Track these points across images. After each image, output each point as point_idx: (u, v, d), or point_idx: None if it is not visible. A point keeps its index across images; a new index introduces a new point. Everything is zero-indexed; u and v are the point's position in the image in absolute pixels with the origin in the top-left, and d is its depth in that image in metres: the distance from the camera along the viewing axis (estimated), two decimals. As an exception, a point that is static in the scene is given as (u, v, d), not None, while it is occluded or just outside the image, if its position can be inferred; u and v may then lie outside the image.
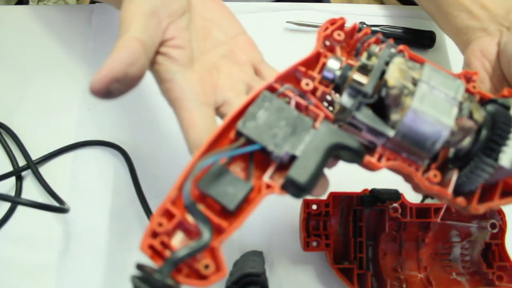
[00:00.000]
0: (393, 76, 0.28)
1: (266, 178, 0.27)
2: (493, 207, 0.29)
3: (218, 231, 0.25)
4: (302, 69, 0.30)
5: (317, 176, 0.27)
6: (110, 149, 0.50)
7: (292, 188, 0.26)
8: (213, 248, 0.25)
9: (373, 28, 0.57)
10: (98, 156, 0.51)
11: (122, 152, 0.50)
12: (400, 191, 0.43)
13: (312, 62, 0.30)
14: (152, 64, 0.31)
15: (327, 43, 0.32)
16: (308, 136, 0.27)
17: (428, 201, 0.50)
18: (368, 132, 0.28)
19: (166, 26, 0.31)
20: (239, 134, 0.27)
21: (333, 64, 0.29)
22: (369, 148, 0.29)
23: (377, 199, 0.42)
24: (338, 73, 0.29)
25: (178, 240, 0.25)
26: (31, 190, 0.49)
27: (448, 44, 0.58)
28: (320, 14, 0.60)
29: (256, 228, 0.48)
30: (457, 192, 0.29)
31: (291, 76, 0.30)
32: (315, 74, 0.29)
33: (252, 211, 0.26)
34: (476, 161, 0.28)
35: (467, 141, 0.28)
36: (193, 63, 0.32)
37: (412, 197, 0.47)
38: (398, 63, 0.28)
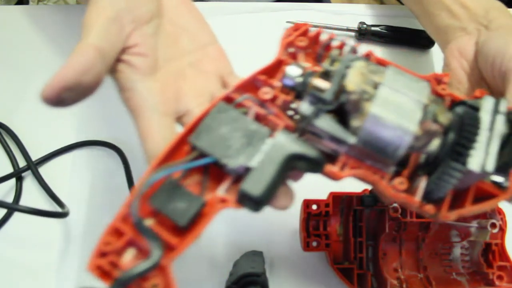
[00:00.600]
0: (353, 81, 0.27)
1: (221, 192, 0.26)
2: (464, 214, 0.27)
3: (169, 248, 0.24)
4: (262, 77, 0.29)
5: (274, 188, 0.26)
6: (109, 149, 0.50)
7: (247, 201, 0.25)
8: (163, 267, 0.23)
9: (373, 28, 0.57)
10: (97, 156, 0.51)
11: (119, 153, 0.50)
12: (400, 191, 0.43)
13: (274, 70, 0.30)
14: (113, 72, 0.30)
15: (292, 50, 0.31)
16: (265, 146, 0.26)
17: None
18: (330, 140, 0.27)
19: (130, 32, 0.30)
20: (193, 147, 0.26)
21: (293, 71, 0.28)
22: (334, 157, 0.28)
23: (377, 199, 0.42)
24: (299, 80, 0.28)
25: (129, 259, 0.24)
26: (31, 190, 0.49)
27: (448, 44, 0.58)
28: (320, 14, 0.60)
29: (256, 228, 0.48)
30: (427, 199, 0.27)
31: (252, 86, 0.29)
32: (275, 82, 0.28)
33: (205, 227, 0.25)
34: (444, 166, 0.26)
35: (435, 146, 0.27)
36: (155, 71, 0.31)
37: (412, 197, 0.47)
38: (359, 67, 0.27)
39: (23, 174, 0.49)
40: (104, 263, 0.23)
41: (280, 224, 0.48)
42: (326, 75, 0.28)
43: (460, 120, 0.27)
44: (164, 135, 0.29)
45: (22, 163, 0.50)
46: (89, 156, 0.51)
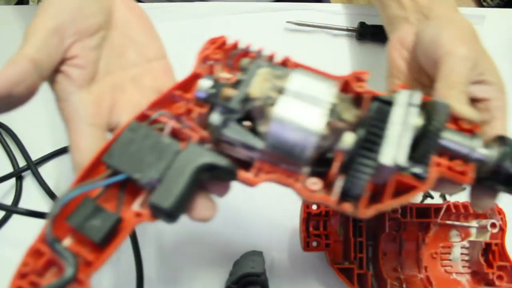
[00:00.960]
0: (257, 88, 0.27)
1: (135, 206, 0.26)
2: (383, 209, 0.27)
3: (86, 264, 0.25)
4: (177, 92, 0.29)
5: (185, 199, 0.26)
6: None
7: (159, 213, 0.26)
8: (81, 281, 0.24)
9: (373, 28, 0.57)
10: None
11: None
12: (400, 191, 0.43)
13: (191, 83, 0.30)
14: (51, 82, 0.30)
15: (210, 62, 0.31)
16: (176, 160, 0.26)
17: (428, 201, 0.50)
18: (242, 147, 0.28)
19: (70, 44, 0.30)
20: (107, 166, 0.27)
21: (205, 84, 0.28)
22: (249, 164, 0.28)
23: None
24: (211, 91, 0.28)
25: (51, 278, 0.25)
26: (32, 190, 0.49)
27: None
28: (320, 14, 0.60)
29: (256, 228, 0.48)
30: (348, 197, 0.27)
31: (170, 101, 0.29)
32: (189, 95, 0.29)
33: (122, 241, 0.26)
34: (356, 163, 0.26)
35: (349, 143, 0.27)
36: (92, 84, 0.32)
37: (412, 197, 0.47)
38: (263, 73, 0.28)
39: (23, 174, 0.49)
40: (24, 284, 0.24)
41: (280, 224, 0.48)
42: (238, 84, 0.28)
43: (371, 116, 0.28)
44: (92, 146, 0.29)
45: (22, 163, 0.50)
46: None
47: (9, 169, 0.49)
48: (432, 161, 0.27)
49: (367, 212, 0.27)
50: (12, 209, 0.45)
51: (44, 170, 0.49)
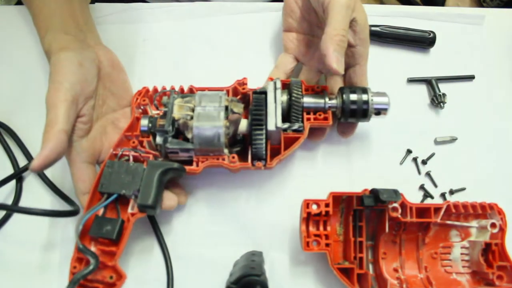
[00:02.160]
0: (177, 112, 0.44)
1: (130, 210, 0.42)
2: (282, 158, 0.44)
3: (111, 255, 0.40)
4: (128, 133, 0.45)
5: (159, 195, 0.42)
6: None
7: (146, 208, 0.41)
8: (112, 266, 0.40)
9: (373, 29, 0.57)
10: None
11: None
12: (400, 191, 0.43)
13: (135, 125, 0.46)
14: None
15: (142, 107, 0.47)
16: (144, 174, 0.42)
17: (428, 201, 0.50)
18: (182, 152, 0.44)
19: (81, 108, 0.42)
20: (102, 193, 0.42)
21: (144, 122, 0.45)
22: (191, 161, 0.44)
23: (377, 199, 0.42)
24: (150, 125, 0.44)
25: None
26: (33, 190, 0.49)
27: (448, 44, 0.58)
28: (320, 14, 0.60)
29: (256, 228, 0.47)
30: (258, 159, 0.44)
31: (125, 140, 0.45)
32: (136, 132, 0.45)
33: (129, 233, 0.41)
34: (253, 135, 0.43)
35: (244, 126, 0.45)
36: (89, 132, 0.44)
37: (412, 197, 0.47)
38: (177, 102, 0.45)
39: (23, 174, 0.49)
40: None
41: (280, 224, 0.48)
42: (165, 115, 0.44)
43: (253, 104, 0.44)
44: (89, 178, 0.43)
45: (22, 163, 0.50)
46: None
47: (9, 169, 0.49)
48: (304, 118, 0.45)
49: (273, 163, 0.44)
50: (30, 211, 0.44)
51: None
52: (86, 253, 0.39)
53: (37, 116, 0.53)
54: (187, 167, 0.43)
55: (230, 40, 0.58)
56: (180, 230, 0.47)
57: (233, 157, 0.43)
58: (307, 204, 0.43)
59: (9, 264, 0.46)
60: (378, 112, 0.46)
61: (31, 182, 0.49)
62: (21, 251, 0.46)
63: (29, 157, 0.50)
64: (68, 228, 0.47)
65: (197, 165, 0.43)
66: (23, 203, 0.48)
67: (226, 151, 0.44)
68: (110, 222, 0.40)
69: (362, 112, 0.45)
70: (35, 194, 0.49)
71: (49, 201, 0.48)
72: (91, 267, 0.38)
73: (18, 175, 0.49)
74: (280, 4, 0.61)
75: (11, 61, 0.56)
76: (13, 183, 0.49)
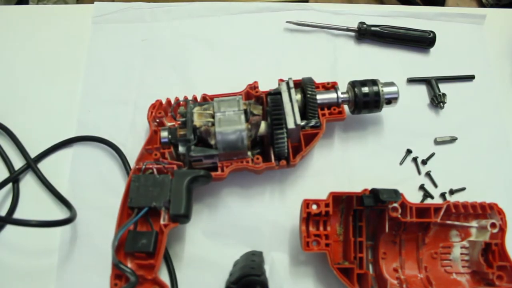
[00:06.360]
0: (197, 120, 0.44)
1: (162, 221, 0.42)
2: (304, 154, 0.46)
3: (150, 268, 0.40)
4: (149, 146, 0.45)
5: (190, 204, 0.42)
6: (109, 149, 0.50)
7: (179, 218, 0.42)
8: (153, 278, 0.40)
9: (373, 28, 0.57)
10: (96, 155, 0.50)
11: (118, 152, 0.50)
12: (400, 191, 0.43)
13: (154, 138, 0.46)
14: None
15: (158, 120, 0.47)
16: (172, 185, 0.42)
17: (428, 201, 0.50)
18: (206, 159, 0.44)
19: None
20: (132, 208, 0.42)
21: (164, 133, 0.45)
22: (216, 167, 0.44)
23: (377, 199, 0.42)
24: (169, 136, 0.45)
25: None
26: (30, 190, 0.49)
27: (448, 44, 0.58)
28: (320, 14, 0.60)
29: (256, 228, 0.47)
30: (281, 159, 0.45)
31: (146, 154, 0.45)
32: (157, 145, 0.45)
33: (164, 244, 0.41)
34: (274, 135, 0.44)
35: (263, 128, 0.45)
36: None
37: (412, 197, 0.47)
38: (196, 110, 0.45)
39: (19, 176, 0.49)
40: None
41: (280, 224, 0.47)
42: (184, 124, 0.45)
43: (270, 106, 0.45)
44: None
45: (21, 163, 0.50)
46: (88, 154, 0.50)
47: (5, 172, 0.49)
48: (319, 114, 0.47)
49: (296, 160, 0.45)
50: (25, 222, 0.42)
51: (43, 167, 0.49)
52: (123, 270, 0.39)
53: (37, 116, 0.53)
54: (213, 173, 0.43)
55: (230, 40, 0.58)
56: (180, 231, 0.47)
57: (257, 158, 0.44)
58: (307, 204, 0.43)
59: (7, 270, 0.45)
60: (389, 101, 0.48)
61: (29, 183, 0.49)
62: (18, 257, 0.46)
63: (27, 155, 0.49)
64: (66, 233, 0.47)
65: (222, 170, 0.44)
66: (21, 204, 0.48)
67: (249, 154, 0.45)
68: (145, 235, 0.40)
69: (374, 103, 0.48)
70: (33, 196, 0.48)
71: (46, 204, 0.48)
72: (130, 285, 0.38)
73: (17, 176, 0.48)
74: (280, 4, 0.61)
75: (11, 60, 0.56)
76: (11, 184, 0.48)
